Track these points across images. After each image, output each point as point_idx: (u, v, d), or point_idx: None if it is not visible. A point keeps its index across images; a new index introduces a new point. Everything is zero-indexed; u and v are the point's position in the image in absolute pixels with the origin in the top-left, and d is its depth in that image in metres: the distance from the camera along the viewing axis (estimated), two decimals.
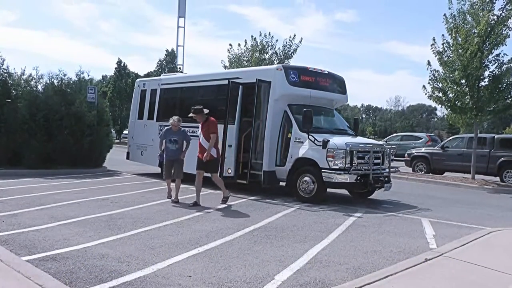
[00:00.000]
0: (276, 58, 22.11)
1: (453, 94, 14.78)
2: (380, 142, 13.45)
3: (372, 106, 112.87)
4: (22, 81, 15.33)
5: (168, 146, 8.90)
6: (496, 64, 14.30)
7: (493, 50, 14.09)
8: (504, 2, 13.89)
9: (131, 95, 18.98)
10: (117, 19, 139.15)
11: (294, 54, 22.22)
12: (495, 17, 13.82)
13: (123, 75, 41.06)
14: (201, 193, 8.60)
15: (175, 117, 9.04)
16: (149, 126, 13.39)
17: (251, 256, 5.18)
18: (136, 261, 4.79)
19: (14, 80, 14.78)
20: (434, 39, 14.87)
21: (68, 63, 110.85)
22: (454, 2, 14.51)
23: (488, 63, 14.26)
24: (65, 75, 14.91)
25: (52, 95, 13.93)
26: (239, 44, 22.72)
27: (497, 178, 15.52)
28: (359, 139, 10.54)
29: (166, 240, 5.74)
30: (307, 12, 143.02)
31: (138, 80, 15.37)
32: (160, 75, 19.74)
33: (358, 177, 9.12)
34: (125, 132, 38.53)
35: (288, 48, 22.20)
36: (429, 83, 15.15)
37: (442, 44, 14.79)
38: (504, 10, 13.86)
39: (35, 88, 14.81)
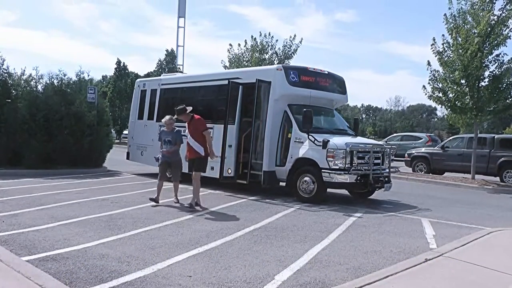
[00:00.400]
0: (276, 58, 22.12)
1: (453, 94, 14.78)
2: (380, 142, 13.45)
3: (372, 106, 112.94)
4: (22, 81, 15.36)
5: (164, 147, 8.62)
6: (496, 64, 14.31)
7: (493, 50, 14.09)
8: (504, 2, 13.91)
9: (131, 95, 18.99)
10: (117, 19, 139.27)
11: (294, 54, 22.27)
12: (495, 17, 13.83)
13: (122, 75, 41.07)
14: (200, 194, 8.50)
15: (167, 116, 8.74)
16: (149, 126, 13.39)
17: (251, 256, 5.18)
18: (136, 261, 4.79)
19: (14, 80, 14.79)
20: (434, 39, 14.89)
21: (68, 63, 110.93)
22: (454, 2, 14.55)
23: (488, 63, 14.26)
24: (65, 75, 14.95)
25: (52, 95, 13.93)
26: (239, 44, 22.76)
27: (497, 178, 15.52)
28: (359, 139, 10.55)
29: (166, 240, 5.74)
30: (307, 12, 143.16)
31: (138, 80, 15.37)
32: (160, 75, 19.74)
33: (358, 177, 9.12)
34: (125, 132, 38.53)
35: (288, 48, 22.22)
36: (429, 83, 15.18)
37: (442, 44, 14.81)
38: (504, 10, 13.88)
39: (35, 88, 14.81)
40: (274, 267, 4.80)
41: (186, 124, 8.39)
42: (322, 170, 9.09)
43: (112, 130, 18.34)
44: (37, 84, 15.12)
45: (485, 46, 13.99)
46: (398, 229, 7.07)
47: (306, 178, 9.35)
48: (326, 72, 11.06)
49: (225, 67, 22.92)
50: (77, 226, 6.38)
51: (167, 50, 45.55)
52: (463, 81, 14.43)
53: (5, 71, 13.96)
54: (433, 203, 10.32)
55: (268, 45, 22.39)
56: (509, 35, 13.90)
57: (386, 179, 9.82)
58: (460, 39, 14.13)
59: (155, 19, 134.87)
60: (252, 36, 22.59)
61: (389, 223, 7.56)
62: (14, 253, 4.84)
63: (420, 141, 25.50)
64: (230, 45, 23.04)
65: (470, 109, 14.53)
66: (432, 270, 4.64)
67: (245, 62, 22.20)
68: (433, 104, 16.85)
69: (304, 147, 9.48)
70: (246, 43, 22.55)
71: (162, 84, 13.36)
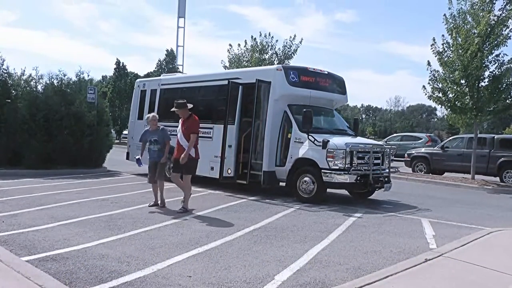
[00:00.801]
0: (276, 59, 22.12)
1: (453, 94, 14.79)
2: (380, 143, 13.46)
3: (372, 106, 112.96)
4: (22, 81, 15.38)
5: (150, 147, 8.25)
6: (496, 64, 14.31)
7: (493, 51, 14.09)
8: (504, 3, 13.91)
9: (130, 95, 19.00)
10: (117, 19, 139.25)
11: (294, 55, 22.28)
12: (495, 17, 13.83)
13: (122, 75, 41.08)
14: (200, 194, 8.51)
15: (150, 114, 8.46)
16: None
17: (251, 256, 5.18)
18: (136, 261, 4.79)
19: (14, 80, 14.81)
20: (434, 39, 14.90)
21: (68, 63, 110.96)
22: (454, 2, 14.56)
23: (488, 63, 14.27)
24: (65, 75, 14.96)
25: (52, 95, 13.93)
26: (239, 45, 22.77)
27: (497, 178, 15.53)
28: (359, 139, 10.54)
29: (166, 240, 5.74)
30: (307, 12, 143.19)
31: (138, 80, 15.38)
32: (159, 76, 19.74)
33: (358, 177, 9.12)
34: (125, 132, 38.52)
35: (288, 48, 22.24)
36: (429, 83, 15.18)
37: (442, 44, 14.82)
38: (504, 11, 13.88)
39: (35, 88, 14.83)
40: (274, 267, 4.80)
41: (180, 122, 8.05)
42: (322, 170, 9.09)
43: (112, 130, 18.35)
44: (37, 84, 15.16)
45: (485, 46, 13.99)
46: (398, 229, 7.07)
47: (306, 178, 9.35)
48: (326, 72, 11.06)
49: (225, 67, 22.92)
50: (77, 226, 6.37)
51: (167, 50, 45.61)
52: (463, 81, 14.43)
53: (5, 71, 13.98)
54: (433, 203, 10.32)
55: (268, 45, 22.40)
56: (509, 35, 13.91)
57: (386, 179, 9.82)
58: (460, 39, 14.13)
59: (155, 19, 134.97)
60: (252, 36, 22.64)
61: (389, 223, 7.56)
62: (14, 253, 4.84)
63: (420, 141, 25.52)
64: (230, 45, 23.09)
65: (470, 109, 14.53)
66: (432, 270, 4.64)
67: (245, 62, 22.21)
68: (433, 104, 16.87)
69: (304, 147, 9.48)
70: (246, 43, 22.59)
71: (162, 84, 13.36)
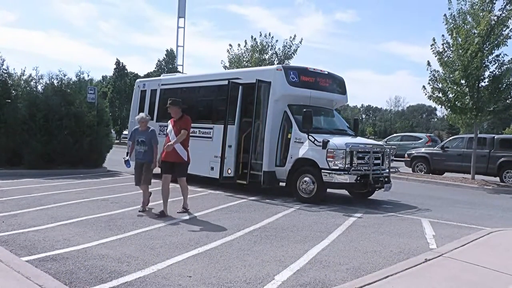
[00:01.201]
0: (276, 59, 22.13)
1: (453, 95, 14.78)
2: (380, 143, 13.46)
3: (372, 107, 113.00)
4: (22, 82, 15.40)
5: (136, 148, 7.87)
6: (496, 64, 14.31)
7: (493, 51, 14.10)
8: (504, 3, 13.91)
9: (130, 95, 19.01)
10: (117, 19, 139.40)
11: (294, 55, 22.28)
12: (495, 17, 13.83)
13: (122, 76, 41.09)
14: (200, 194, 8.49)
15: (142, 114, 8.12)
16: None
17: (251, 257, 5.18)
18: (136, 262, 4.79)
19: (14, 80, 14.82)
20: (434, 40, 14.91)
21: (68, 63, 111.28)
22: (454, 2, 14.56)
23: (488, 64, 14.27)
24: (65, 75, 14.96)
25: (52, 96, 13.93)
26: (239, 45, 22.77)
27: (497, 178, 15.53)
28: (359, 140, 10.54)
29: (166, 240, 5.74)
30: (307, 12, 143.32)
31: (138, 80, 15.38)
32: (159, 76, 19.74)
33: (358, 178, 9.13)
34: (125, 132, 38.56)
35: (288, 48, 22.24)
36: (429, 83, 15.19)
37: (442, 44, 14.82)
38: (504, 11, 13.88)
39: (35, 89, 14.84)
40: (274, 267, 4.80)
41: (170, 122, 7.79)
42: (322, 170, 9.09)
43: (112, 130, 18.34)
44: (37, 84, 15.18)
45: (485, 46, 13.99)
46: (398, 229, 7.07)
47: (306, 178, 9.35)
48: (326, 72, 11.06)
49: (225, 67, 22.93)
50: (77, 226, 6.37)
51: (167, 50, 45.68)
52: (463, 81, 14.43)
53: (5, 71, 13.98)
54: (433, 203, 10.32)
55: (268, 45, 22.41)
56: (509, 35, 13.91)
57: (386, 179, 9.82)
58: (460, 40, 14.13)
59: (155, 19, 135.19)
60: (252, 36, 22.65)
61: (389, 223, 7.56)
62: (14, 253, 4.85)
63: (420, 141, 25.53)
64: (230, 45, 23.08)
65: (470, 109, 14.53)
66: (432, 270, 4.64)
67: (245, 62, 22.21)
68: (433, 104, 16.87)
69: (304, 147, 9.48)
70: (246, 43, 22.59)
71: (162, 85, 13.36)
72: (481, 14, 13.97)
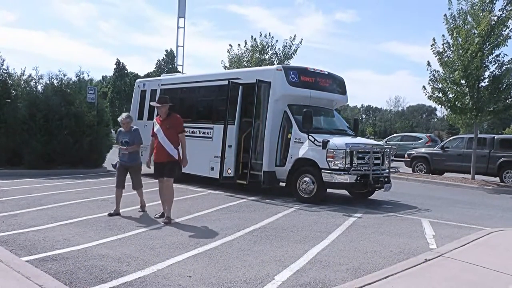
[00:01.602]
0: (276, 59, 22.11)
1: (453, 95, 14.78)
2: (380, 143, 13.46)
3: (372, 107, 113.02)
4: (22, 82, 15.36)
5: (120, 149, 7.68)
6: (496, 64, 14.31)
7: (493, 51, 14.10)
8: (504, 3, 13.91)
9: (130, 95, 18.98)
10: (117, 19, 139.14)
11: (294, 55, 22.25)
12: (496, 17, 13.84)
13: (122, 76, 41.13)
14: (200, 194, 8.46)
15: (124, 114, 7.78)
16: (149, 127, 13.25)
17: (251, 257, 5.18)
18: (136, 262, 4.79)
19: (14, 80, 14.80)
20: (434, 40, 14.90)
21: (68, 63, 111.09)
22: (454, 2, 14.56)
23: (488, 64, 14.27)
24: (65, 75, 14.98)
25: (52, 96, 13.94)
26: (239, 45, 22.74)
27: (497, 178, 15.53)
28: (359, 140, 10.54)
29: (166, 240, 5.74)
30: (307, 12, 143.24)
31: (138, 80, 15.38)
32: (159, 76, 19.74)
33: (358, 178, 9.12)
34: None
35: (288, 48, 22.21)
36: (429, 83, 15.18)
37: (442, 44, 14.81)
38: (504, 11, 13.88)
39: (35, 89, 14.85)
40: (274, 267, 4.80)
41: (156, 121, 7.38)
42: (322, 170, 9.09)
43: (112, 130, 18.31)
44: (37, 84, 15.18)
45: (485, 46, 13.99)
46: (398, 230, 7.07)
47: (306, 178, 9.35)
48: (326, 73, 11.06)
49: (225, 67, 22.91)
50: (77, 226, 6.38)
51: (166, 51, 45.75)
52: (463, 82, 14.42)
53: (5, 71, 14.00)
54: (433, 203, 10.32)
55: (268, 46, 22.38)
56: (509, 35, 13.91)
57: (386, 179, 9.82)
58: (460, 40, 14.13)
59: (155, 19, 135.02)
60: (252, 37, 22.61)
61: (389, 224, 7.56)
62: (14, 253, 4.85)
63: (420, 141, 25.51)
64: (230, 45, 23.05)
65: (470, 109, 14.52)
66: (432, 270, 4.64)
67: (245, 63, 22.19)
68: (433, 105, 16.87)
69: (304, 147, 9.48)
70: (246, 43, 22.56)
71: (162, 85, 13.36)
72: (481, 14, 13.97)
